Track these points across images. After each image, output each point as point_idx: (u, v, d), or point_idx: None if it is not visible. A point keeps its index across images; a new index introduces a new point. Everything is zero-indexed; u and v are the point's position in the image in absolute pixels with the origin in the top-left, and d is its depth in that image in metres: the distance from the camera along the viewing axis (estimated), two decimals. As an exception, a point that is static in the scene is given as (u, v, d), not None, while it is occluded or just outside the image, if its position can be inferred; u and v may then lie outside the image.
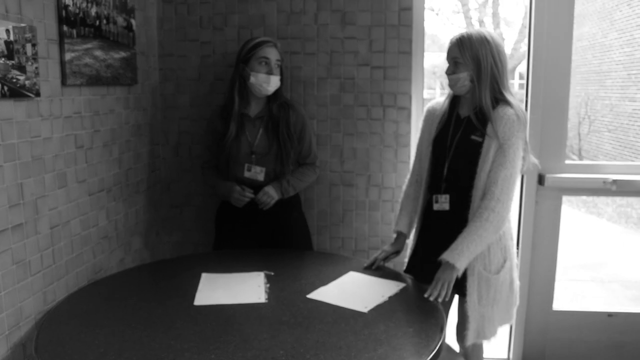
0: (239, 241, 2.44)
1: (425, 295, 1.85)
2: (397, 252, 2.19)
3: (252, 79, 2.29)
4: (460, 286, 2.01)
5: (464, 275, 1.97)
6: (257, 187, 2.34)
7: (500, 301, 2.03)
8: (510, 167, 1.93)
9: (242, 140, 2.36)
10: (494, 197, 1.91)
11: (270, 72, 2.29)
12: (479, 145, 1.96)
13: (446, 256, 1.89)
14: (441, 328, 1.65)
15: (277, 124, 2.35)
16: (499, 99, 1.98)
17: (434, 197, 2.07)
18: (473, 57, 1.95)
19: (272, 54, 2.30)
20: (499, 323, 2.08)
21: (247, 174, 2.36)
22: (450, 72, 2.01)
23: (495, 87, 1.97)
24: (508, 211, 1.95)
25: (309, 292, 1.90)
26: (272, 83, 2.30)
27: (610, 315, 2.84)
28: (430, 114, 2.16)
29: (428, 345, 1.54)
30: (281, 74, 2.36)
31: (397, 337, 1.61)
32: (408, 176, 2.27)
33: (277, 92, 2.37)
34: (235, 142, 2.35)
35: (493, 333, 2.06)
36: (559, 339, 2.86)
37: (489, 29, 2.07)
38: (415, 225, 2.21)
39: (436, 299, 1.84)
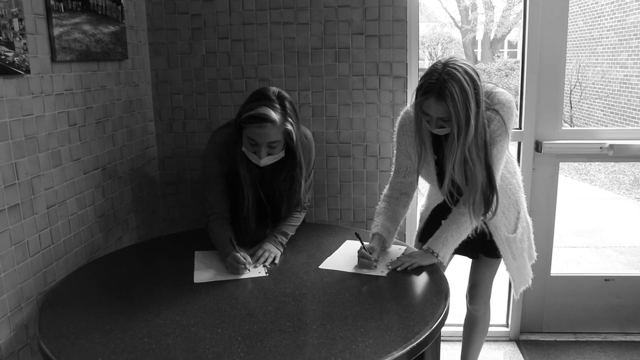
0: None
1: (387, 265, 1.88)
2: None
3: (244, 149, 1.98)
4: (484, 249, 2.09)
5: (492, 240, 2.02)
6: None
7: (525, 248, 2.12)
8: (496, 161, 1.84)
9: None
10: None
11: (258, 155, 1.93)
12: None
13: (432, 245, 1.91)
14: (445, 295, 1.66)
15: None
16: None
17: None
18: (457, 115, 1.70)
19: (263, 137, 1.89)
20: (529, 261, 2.16)
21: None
22: (438, 126, 1.79)
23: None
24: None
25: (310, 264, 1.90)
26: (264, 162, 1.95)
27: (607, 279, 2.87)
28: (404, 129, 2.01)
29: (434, 313, 1.54)
30: (288, 145, 1.98)
31: (403, 305, 1.62)
32: (387, 187, 2.12)
33: (288, 162, 2.03)
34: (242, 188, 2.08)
35: (530, 275, 2.17)
36: (556, 303, 2.89)
37: (461, 63, 1.72)
38: (395, 232, 2.05)
39: (395, 269, 1.86)
